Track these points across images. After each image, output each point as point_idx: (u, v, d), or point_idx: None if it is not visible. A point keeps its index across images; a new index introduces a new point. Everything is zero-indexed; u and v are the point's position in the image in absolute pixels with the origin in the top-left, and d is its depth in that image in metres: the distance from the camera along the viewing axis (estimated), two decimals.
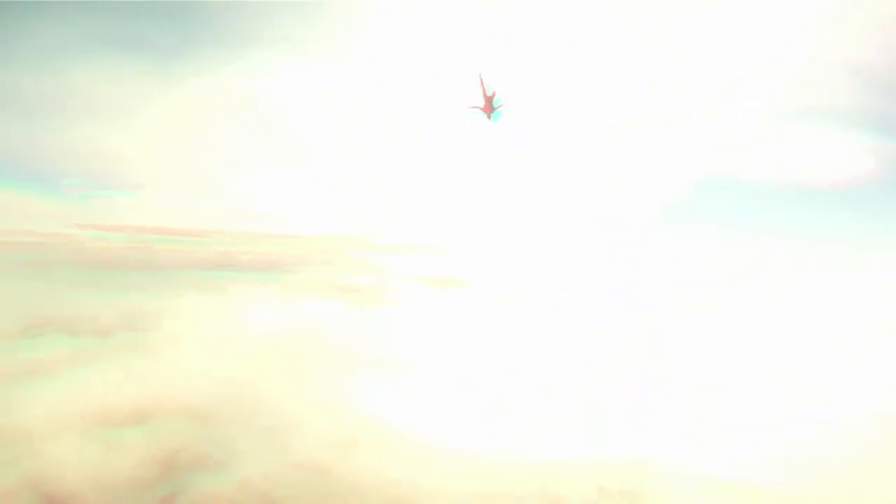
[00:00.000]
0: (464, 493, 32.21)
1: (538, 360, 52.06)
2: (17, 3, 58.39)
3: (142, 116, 64.12)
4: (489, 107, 27.53)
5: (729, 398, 45.42)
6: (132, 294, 59.71)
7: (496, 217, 67.74)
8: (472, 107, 28.09)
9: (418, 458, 35.90)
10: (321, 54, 64.85)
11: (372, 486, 32.59)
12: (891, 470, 35.04)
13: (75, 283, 58.19)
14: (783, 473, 34.76)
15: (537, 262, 70.14)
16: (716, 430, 40.14)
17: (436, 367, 50.60)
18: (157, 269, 69.40)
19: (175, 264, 71.95)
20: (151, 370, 45.45)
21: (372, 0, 60.62)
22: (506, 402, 44.35)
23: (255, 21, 62.65)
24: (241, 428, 38.94)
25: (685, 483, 34.28)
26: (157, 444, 36.16)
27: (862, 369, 49.93)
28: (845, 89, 58.45)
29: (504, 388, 46.70)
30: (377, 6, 60.19)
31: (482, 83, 26.99)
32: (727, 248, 71.92)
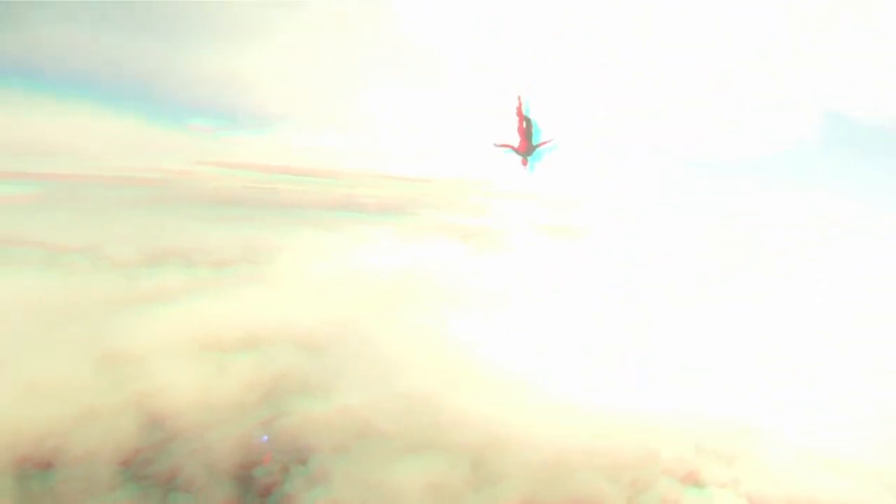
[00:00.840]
0: (560, 439, 30.77)
1: (644, 315, 49.68)
2: None
3: (271, 41, 64.23)
4: (527, 145, 17.28)
5: (834, 373, 40.81)
6: (251, 230, 61.36)
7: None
8: (501, 145, 17.48)
9: (518, 400, 34.75)
10: None
11: (470, 423, 31.56)
12: None
13: (197, 218, 60.41)
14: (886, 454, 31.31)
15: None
16: (819, 405, 36.60)
17: (543, 313, 48.77)
18: (277, 208, 71.15)
19: (296, 203, 73.45)
20: (264, 301, 46.11)
21: None
22: (607, 354, 42.17)
23: None
24: (347, 359, 38.70)
25: (784, 452, 31.69)
26: (264, 370, 36.32)
27: None
28: None
29: (606, 340, 44.49)
30: None
31: (520, 108, 16.92)
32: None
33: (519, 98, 17.02)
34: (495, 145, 17.54)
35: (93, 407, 28.96)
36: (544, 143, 17.25)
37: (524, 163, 17.53)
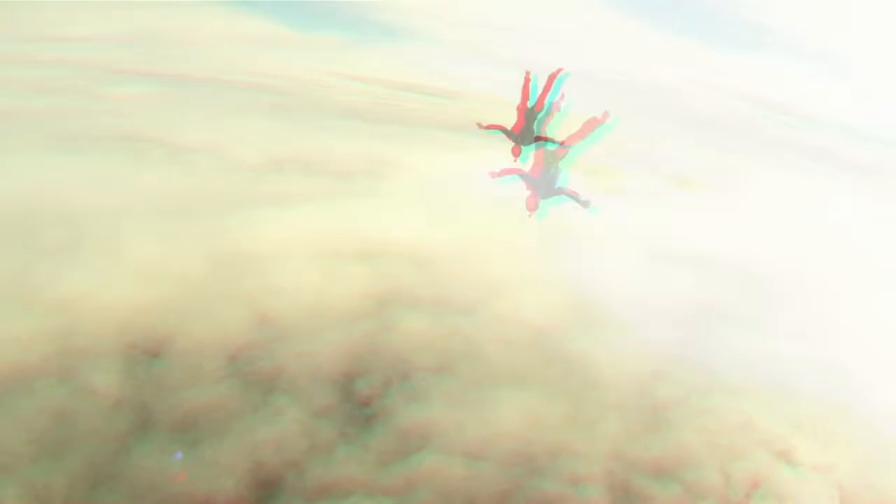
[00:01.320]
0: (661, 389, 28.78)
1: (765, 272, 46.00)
2: None
3: None
4: (523, 128, 12.93)
5: None
6: (375, 143, 60.68)
7: None
8: (488, 126, 12.98)
9: (621, 343, 32.36)
10: None
11: (574, 360, 30.13)
12: None
13: (321, 127, 60.32)
14: None
15: None
16: None
17: (660, 261, 45.44)
18: (402, 124, 70.24)
19: (421, 121, 72.30)
20: (383, 214, 45.30)
21: None
22: (717, 311, 38.53)
23: None
24: (460, 279, 37.06)
25: (879, 443, 27.35)
26: (376, 282, 35.52)
27: None
28: None
29: (720, 297, 40.71)
30: None
31: (527, 85, 13.04)
32: None
33: (527, 74, 12.72)
34: (480, 126, 12.93)
35: (205, 300, 29.19)
36: (553, 140, 12.62)
37: (516, 151, 12.81)
